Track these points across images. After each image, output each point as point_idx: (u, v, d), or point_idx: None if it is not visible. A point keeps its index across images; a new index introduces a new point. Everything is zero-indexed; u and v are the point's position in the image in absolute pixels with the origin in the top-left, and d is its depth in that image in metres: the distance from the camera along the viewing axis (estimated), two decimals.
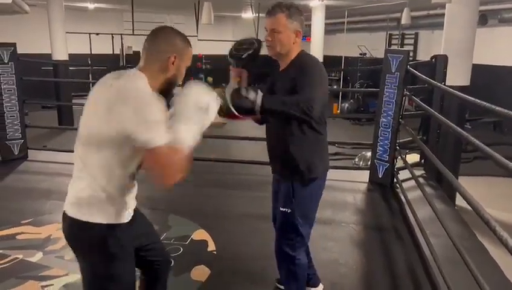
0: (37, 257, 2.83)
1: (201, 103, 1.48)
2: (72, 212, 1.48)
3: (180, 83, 1.60)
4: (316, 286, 2.43)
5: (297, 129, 1.97)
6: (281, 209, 2.07)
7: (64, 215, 1.51)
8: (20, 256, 2.84)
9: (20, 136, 5.00)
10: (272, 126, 2.10)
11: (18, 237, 3.14)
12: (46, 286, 2.51)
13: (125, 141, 1.38)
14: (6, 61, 4.76)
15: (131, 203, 1.60)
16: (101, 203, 1.46)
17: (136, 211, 1.66)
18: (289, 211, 2.04)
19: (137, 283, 1.76)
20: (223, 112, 1.81)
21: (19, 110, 4.95)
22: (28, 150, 5.09)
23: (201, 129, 1.50)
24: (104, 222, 1.47)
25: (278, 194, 2.15)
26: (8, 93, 4.84)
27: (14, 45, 4.85)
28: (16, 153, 4.98)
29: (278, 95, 1.96)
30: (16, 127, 4.96)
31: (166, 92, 1.53)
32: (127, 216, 1.55)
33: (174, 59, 1.50)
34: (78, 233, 1.49)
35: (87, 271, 1.53)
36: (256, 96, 1.78)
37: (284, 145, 2.01)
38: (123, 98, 1.37)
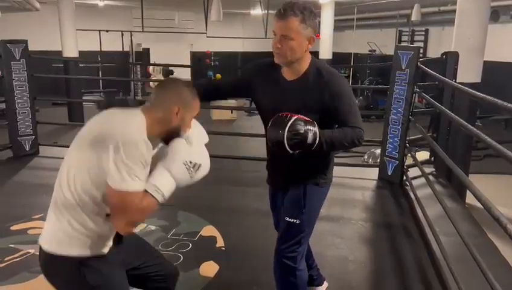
0: None
1: (194, 160, 1.49)
2: (47, 247, 1.46)
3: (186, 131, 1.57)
4: (320, 284, 2.41)
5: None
6: (288, 219, 1.92)
7: (40, 249, 1.49)
8: (32, 251, 2.88)
9: (32, 133, 5.05)
10: None
11: (29, 231, 3.18)
12: None
13: (101, 181, 1.37)
14: (17, 58, 4.81)
15: (111, 235, 1.54)
16: (78, 238, 1.44)
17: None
18: (297, 221, 1.91)
19: None
20: (278, 149, 1.68)
21: (30, 107, 5.00)
22: (39, 146, 5.14)
23: (182, 183, 1.51)
24: (82, 254, 1.45)
25: (279, 202, 2.08)
26: (20, 90, 4.90)
27: (25, 42, 4.89)
28: (27, 149, 5.03)
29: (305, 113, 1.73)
30: (27, 123, 5.01)
31: (169, 139, 1.53)
32: (106, 247, 1.52)
33: (178, 110, 1.50)
34: (54, 268, 1.48)
35: None
36: (315, 130, 1.65)
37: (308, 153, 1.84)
38: (110, 135, 1.36)
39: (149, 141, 1.41)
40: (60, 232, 1.45)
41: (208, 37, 11.00)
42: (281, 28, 1.71)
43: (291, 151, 1.67)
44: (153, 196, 1.42)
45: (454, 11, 4.68)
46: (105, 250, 1.51)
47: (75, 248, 1.44)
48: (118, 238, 1.55)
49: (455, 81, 3.96)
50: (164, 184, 1.45)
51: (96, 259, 1.48)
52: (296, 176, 1.94)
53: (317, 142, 1.66)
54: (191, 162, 1.48)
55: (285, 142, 1.64)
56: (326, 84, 1.77)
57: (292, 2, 1.72)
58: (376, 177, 4.40)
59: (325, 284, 2.42)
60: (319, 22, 11.31)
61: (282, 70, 1.85)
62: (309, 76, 1.80)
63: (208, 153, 1.58)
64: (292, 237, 1.94)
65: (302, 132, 1.63)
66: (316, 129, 1.66)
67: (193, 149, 1.52)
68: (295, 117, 1.65)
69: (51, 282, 1.51)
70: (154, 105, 1.52)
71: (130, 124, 1.41)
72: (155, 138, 1.51)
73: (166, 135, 1.53)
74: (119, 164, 1.33)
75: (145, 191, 1.41)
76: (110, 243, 1.54)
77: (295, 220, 1.91)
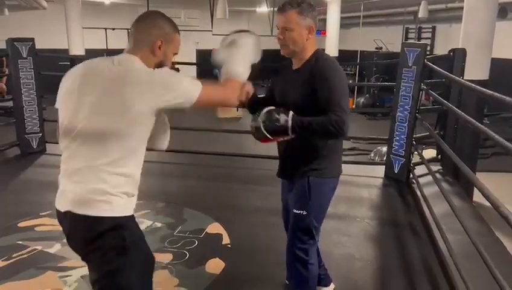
0: (55, 248, 2.89)
1: (227, 41, 1.71)
2: (85, 210, 1.41)
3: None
4: (327, 285, 2.40)
5: None
6: (295, 211, 1.98)
7: (72, 215, 1.43)
8: (39, 247, 2.90)
9: (39, 130, 5.08)
10: None
11: (37, 228, 3.21)
12: (65, 276, 2.56)
13: (147, 120, 1.42)
14: (25, 56, 4.84)
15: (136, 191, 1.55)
16: (114, 196, 1.42)
17: None
18: (304, 213, 1.96)
19: None
20: (257, 135, 1.90)
21: (37, 105, 5.03)
22: (46, 144, 5.18)
23: (245, 60, 1.71)
24: (122, 214, 1.44)
25: (288, 194, 2.11)
26: (27, 88, 4.93)
27: (32, 40, 4.92)
28: (35, 147, 5.07)
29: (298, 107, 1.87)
30: (34, 121, 5.04)
31: None
32: (134, 205, 1.52)
33: (160, 43, 1.49)
34: (96, 231, 1.41)
35: (104, 274, 1.46)
36: (287, 118, 1.80)
37: (304, 143, 1.94)
38: (136, 81, 1.39)
39: None
40: (92, 189, 1.41)
41: (213, 34, 10.99)
42: (282, 21, 1.88)
43: (269, 136, 1.85)
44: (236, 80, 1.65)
45: (461, 8, 4.65)
46: (132, 210, 1.50)
47: (112, 208, 1.41)
48: None
49: (462, 79, 3.93)
50: (239, 67, 1.69)
51: (130, 219, 1.47)
52: (298, 166, 1.99)
53: (289, 124, 1.79)
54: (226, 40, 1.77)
55: (261, 126, 1.84)
56: (317, 68, 1.87)
57: None
58: (382, 175, 4.38)
59: (332, 286, 2.41)
60: (325, 19, 11.28)
61: (293, 62, 2.00)
62: (309, 63, 1.92)
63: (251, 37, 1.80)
64: (302, 228, 1.99)
65: (274, 117, 1.82)
66: (288, 115, 1.81)
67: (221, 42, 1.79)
68: (271, 108, 1.87)
69: (82, 244, 1.46)
70: (136, 42, 1.50)
71: (137, 66, 1.45)
72: None
73: None
74: (173, 91, 1.41)
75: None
76: (135, 200, 1.52)
77: (302, 212, 1.96)
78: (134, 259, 1.45)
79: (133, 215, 1.50)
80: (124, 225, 1.45)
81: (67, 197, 1.46)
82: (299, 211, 1.97)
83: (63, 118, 1.50)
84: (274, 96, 2.09)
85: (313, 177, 1.96)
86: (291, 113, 1.81)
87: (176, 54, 1.58)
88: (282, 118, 1.80)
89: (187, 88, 1.45)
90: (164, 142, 1.66)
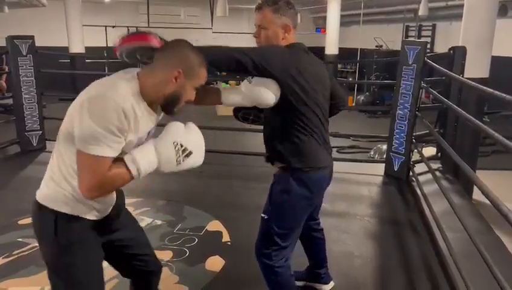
0: None
1: (185, 145, 1.39)
2: (37, 195, 1.48)
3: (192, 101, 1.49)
4: (327, 283, 2.42)
5: (278, 113, 1.79)
6: (261, 214, 1.95)
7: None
8: None
9: (39, 128, 5.09)
10: (266, 118, 1.95)
11: None
12: None
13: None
14: (24, 54, 4.84)
15: (101, 207, 1.50)
16: (63, 193, 1.42)
17: (125, 214, 1.66)
18: (265, 217, 1.90)
19: None
20: None
21: (37, 102, 5.03)
22: (46, 142, 5.18)
23: (166, 166, 1.39)
24: (61, 210, 1.42)
25: None
26: (27, 86, 4.93)
27: (32, 37, 4.92)
28: (35, 145, 5.07)
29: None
30: (34, 118, 5.04)
31: (167, 108, 1.45)
32: (90, 215, 1.48)
33: (178, 74, 1.37)
34: (36, 216, 1.48)
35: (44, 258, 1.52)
36: None
37: (268, 130, 1.90)
38: (89, 98, 1.32)
39: (138, 106, 1.34)
40: (49, 184, 1.46)
41: (213, 32, 10.99)
42: (258, 19, 1.84)
43: None
44: (127, 167, 1.33)
45: (462, 6, 4.64)
46: (89, 216, 1.46)
47: (57, 203, 1.42)
48: (115, 213, 1.55)
49: (462, 76, 3.93)
50: (144, 158, 1.34)
51: (74, 219, 1.43)
52: (272, 162, 1.93)
53: None
54: (181, 145, 1.37)
55: None
56: None
57: None
58: (382, 173, 4.39)
59: (331, 284, 2.43)
60: (325, 17, 11.25)
61: None
62: None
63: (203, 149, 1.48)
64: (263, 233, 1.94)
65: None
66: None
67: (189, 136, 1.42)
68: None
69: (34, 230, 1.51)
70: (153, 67, 1.41)
71: (113, 88, 1.32)
72: (154, 104, 1.43)
73: (164, 102, 1.41)
74: (88, 127, 1.27)
75: (122, 160, 1.34)
76: (97, 213, 1.48)
77: (264, 215, 1.92)
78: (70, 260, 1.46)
79: (83, 218, 1.46)
80: (64, 225, 1.43)
81: None
82: (262, 215, 1.94)
83: None
84: None
85: (277, 178, 1.88)
86: None
87: (198, 88, 1.46)
88: None
89: (88, 143, 1.29)
90: None
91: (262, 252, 1.94)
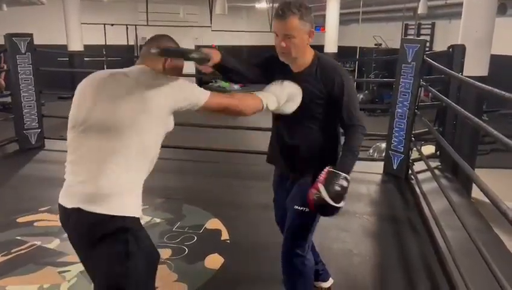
0: (54, 243, 2.89)
1: (291, 95, 1.79)
2: (94, 208, 1.39)
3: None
4: (325, 280, 2.41)
5: (329, 124, 1.95)
6: (297, 208, 1.96)
7: (80, 212, 1.40)
8: (38, 243, 2.90)
9: (37, 126, 5.08)
10: (292, 124, 1.97)
11: (36, 224, 3.21)
12: (63, 271, 2.56)
13: (163, 121, 1.50)
14: (23, 52, 4.83)
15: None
16: (127, 195, 1.43)
17: None
18: (306, 210, 1.91)
19: None
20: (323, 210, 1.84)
21: (35, 100, 5.02)
22: (45, 140, 5.18)
23: (279, 98, 1.76)
24: (131, 215, 1.44)
25: (285, 194, 2.08)
26: (26, 83, 4.92)
27: (30, 35, 4.90)
28: (33, 143, 5.07)
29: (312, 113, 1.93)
30: (33, 116, 5.04)
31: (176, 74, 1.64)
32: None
33: (170, 61, 1.60)
34: (103, 228, 1.41)
35: (107, 268, 1.44)
36: (346, 177, 1.89)
37: (310, 143, 1.95)
38: (155, 84, 1.47)
39: None
40: (108, 190, 1.40)
41: (212, 30, 10.98)
42: (283, 28, 1.79)
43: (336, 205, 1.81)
44: (260, 100, 1.72)
45: (461, 4, 4.64)
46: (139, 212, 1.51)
47: (126, 207, 1.42)
48: None
49: (462, 75, 3.93)
50: (271, 99, 1.75)
51: (139, 223, 1.47)
52: (305, 167, 1.98)
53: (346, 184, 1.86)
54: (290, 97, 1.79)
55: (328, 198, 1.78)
56: (332, 75, 1.86)
57: (288, 2, 1.79)
58: (381, 171, 4.39)
59: (330, 281, 2.42)
60: (324, 15, 11.25)
61: (290, 65, 1.94)
62: (314, 67, 1.89)
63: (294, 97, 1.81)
64: (302, 225, 1.98)
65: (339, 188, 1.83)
66: (345, 180, 1.87)
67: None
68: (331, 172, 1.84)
69: (91, 241, 1.43)
70: (147, 59, 1.59)
71: (156, 74, 1.54)
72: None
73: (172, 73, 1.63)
74: (187, 93, 1.52)
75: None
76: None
77: (305, 209, 1.94)
78: (137, 263, 1.43)
79: (139, 217, 1.49)
80: (130, 227, 1.43)
81: (76, 193, 1.44)
82: (301, 208, 1.94)
83: (76, 113, 1.51)
84: (261, 73, 2.07)
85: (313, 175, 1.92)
86: (343, 174, 1.86)
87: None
88: (343, 182, 1.85)
89: (197, 94, 1.56)
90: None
91: (299, 244, 1.99)
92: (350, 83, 1.90)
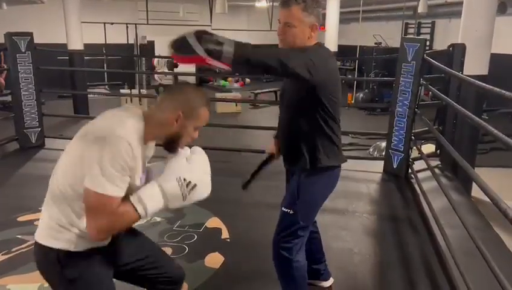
0: None
1: (188, 178, 1.40)
2: (36, 236, 1.48)
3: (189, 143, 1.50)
4: (326, 279, 2.42)
5: (308, 114, 1.84)
6: (283, 209, 1.95)
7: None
8: None
9: (37, 125, 5.08)
10: (283, 112, 1.99)
11: (36, 223, 3.17)
12: None
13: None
14: (23, 51, 4.83)
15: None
16: (61, 231, 1.42)
17: (130, 234, 1.63)
18: (291, 212, 1.91)
19: None
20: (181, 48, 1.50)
21: (36, 99, 5.02)
22: (45, 138, 5.18)
23: (173, 203, 1.41)
24: (63, 247, 1.42)
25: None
26: (26, 82, 4.92)
27: (30, 34, 4.90)
28: (33, 142, 5.07)
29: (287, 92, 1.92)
30: (33, 115, 5.04)
31: (169, 147, 1.47)
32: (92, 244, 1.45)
33: (178, 116, 1.41)
34: (39, 257, 1.50)
35: None
36: (229, 42, 1.55)
37: (292, 132, 1.90)
38: (98, 134, 1.33)
39: (138, 146, 1.37)
40: (47, 223, 1.45)
41: (212, 29, 10.93)
42: (284, 16, 1.78)
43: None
44: (133, 206, 1.34)
45: (461, 3, 4.63)
46: (91, 246, 1.45)
47: (58, 241, 1.42)
48: (113, 237, 1.50)
49: (462, 73, 3.93)
50: (150, 197, 1.37)
51: (77, 254, 1.43)
52: (294, 158, 1.93)
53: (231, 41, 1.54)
54: (185, 180, 1.39)
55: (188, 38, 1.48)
56: None
57: None
58: (381, 170, 4.39)
59: (331, 280, 2.43)
60: (324, 14, 11.23)
61: None
62: None
63: (209, 179, 1.49)
64: (287, 227, 1.94)
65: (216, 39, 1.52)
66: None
67: (192, 167, 1.43)
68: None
69: (39, 270, 1.53)
70: (157, 107, 1.45)
71: (121, 125, 1.34)
72: (151, 142, 1.51)
73: (166, 141, 1.45)
74: (99, 165, 1.28)
75: (128, 200, 1.35)
76: (97, 243, 1.47)
77: (289, 211, 1.92)
78: None
79: (88, 252, 1.45)
80: (67, 261, 1.43)
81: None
82: (286, 210, 1.93)
83: None
84: None
85: (305, 174, 1.90)
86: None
87: (199, 127, 1.49)
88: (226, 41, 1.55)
89: (104, 183, 1.29)
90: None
91: (284, 247, 1.95)
92: (310, 51, 1.74)
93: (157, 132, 1.44)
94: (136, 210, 1.35)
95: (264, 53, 1.66)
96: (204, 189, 1.47)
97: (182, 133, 1.45)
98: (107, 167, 1.28)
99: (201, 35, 1.49)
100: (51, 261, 1.45)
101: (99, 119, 1.45)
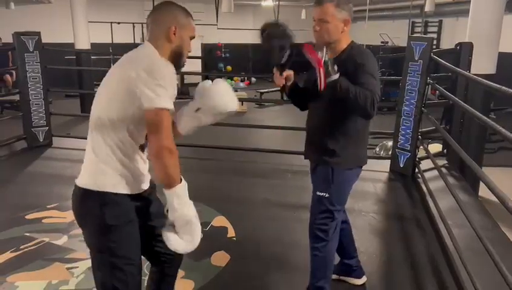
0: (62, 240, 2.91)
1: (220, 108, 1.67)
2: (78, 181, 1.54)
3: (188, 55, 1.62)
4: (359, 277, 2.43)
5: (346, 114, 1.96)
6: (318, 193, 2.05)
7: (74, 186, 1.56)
8: (47, 239, 2.93)
9: (45, 124, 5.12)
10: (318, 110, 2.07)
11: (44, 220, 3.24)
12: (72, 267, 2.58)
13: (135, 107, 1.44)
14: (31, 50, 4.86)
15: (142, 174, 1.61)
16: (105, 171, 1.50)
17: (153, 192, 1.70)
18: (326, 195, 2.03)
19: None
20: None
21: (43, 98, 5.06)
22: (53, 137, 5.21)
23: (200, 125, 1.70)
24: (106, 190, 1.49)
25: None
26: (33, 82, 4.95)
27: (38, 34, 4.93)
28: (41, 140, 5.10)
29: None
30: (41, 114, 5.07)
31: (175, 63, 1.58)
32: (132, 187, 1.56)
33: (174, 29, 1.55)
34: (79, 202, 1.54)
35: (89, 243, 1.57)
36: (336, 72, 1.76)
37: (330, 129, 1.99)
38: (135, 63, 1.47)
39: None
40: (90, 164, 1.52)
41: (218, 28, 10.97)
42: (318, 13, 1.93)
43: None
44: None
45: (468, 1, 4.60)
46: (132, 190, 1.54)
47: (101, 183, 1.49)
48: (149, 190, 1.64)
49: (469, 72, 3.90)
50: (186, 117, 1.69)
51: (120, 199, 1.51)
52: (323, 153, 2.03)
53: (335, 76, 1.75)
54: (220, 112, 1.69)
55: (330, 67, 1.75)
56: (353, 57, 1.91)
57: None
58: (388, 169, 4.38)
59: (364, 278, 2.44)
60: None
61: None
62: (344, 54, 1.96)
63: (229, 97, 1.70)
64: (323, 210, 2.05)
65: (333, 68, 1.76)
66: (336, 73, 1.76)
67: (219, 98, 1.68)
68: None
69: (76, 215, 1.56)
70: (152, 32, 1.57)
71: (149, 53, 1.51)
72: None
73: (173, 58, 1.57)
74: (151, 86, 1.40)
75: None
76: (139, 185, 1.59)
77: (325, 194, 2.03)
78: (115, 239, 1.51)
79: (126, 194, 1.53)
80: (108, 202, 1.49)
81: None
82: (321, 193, 2.03)
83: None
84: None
85: (337, 167, 2.01)
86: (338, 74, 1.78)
87: (193, 37, 1.62)
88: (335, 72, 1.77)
89: (160, 96, 1.42)
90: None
91: (322, 229, 2.06)
92: (370, 64, 1.89)
93: (165, 53, 1.56)
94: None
95: (360, 92, 1.78)
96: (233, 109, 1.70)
97: (182, 45, 1.59)
98: (161, 85, 1.41)
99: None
100: (92, 204, 1.49)
101: (122, 60, 1.54)
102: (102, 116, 1.49)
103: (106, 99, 1.50)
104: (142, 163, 1.60)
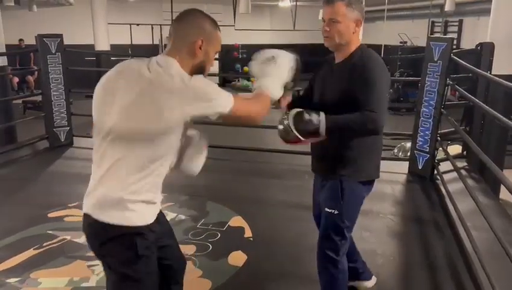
0: (83, 238, 2.89)
1: (266, 55, 1.71)
2: (99, 215, 1.42)
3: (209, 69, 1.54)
4: (368, 279, 2.39)
5: None
6: (327, 210, 1.94)
7: (89, 218, 1.44)
8: (68, 237, 3.00)
9: (66, 124, 5.23)
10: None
11: (66, 219, 3.31)
12: (93, 265, 2.64)
13: (177, 129, 1.38)
14: (53, 52, 4.97)
15: (160, 198, 1.53)
16: (132, 204, 1.39)
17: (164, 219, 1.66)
18: (336, 212, 1.92)
19: None
20: (286, 137, 1.82)
21: (65, 99, 5.17)
22: (74, 137, 5.32)
23: (281, 79, 1.69)
24: (137, 224, 1.41)
25: (318, 192, 2.06)
26: (55, 83, 5.06)
27: (60, 36, 5.04)
28: (63, 140, 5.21)
29: (334, 100, 1.86)
30: (62, 115, 5.18)
31: None
32: (155, 214, 1.49)
33: (201, 43, 1.43)
34: (107, 237, 1.42)
35: (113, 278, 1.49)
36: (319, 118, 1.73)
37: (340, 142, 1.88)
38: (170, 88, 1.33)
39: None
40: (114, 198, 1.39)
41: (236, 29, 11.02)
42: (329, 13, 1.83)
43: (301, 138, 1.77)
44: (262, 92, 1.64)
45: (490, 1, 4.52)
46: (152, 217, 1.47)
47: (129, 215, 1.39)
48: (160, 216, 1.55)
49: (490, 73, 3.84)
50: (264, 82, 1.70)
51: (147, 229, 1.43)
52: (333, 167, 1.94)
53: (321, 125, 1.73)
54: (267, 58, 1.73)
55: (293, 128, 1.76)
56: (360, 65, 1.81)
57: None
58: (406, 171, 4.34)
59: (374, 280, 2.41)
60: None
61: (335, 55, 1.95)
62: (353, 58, 1.86)
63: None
64: (333, 228, 1.95)
65: (306, 118, 1.75)
66: (320, 115, 1.75)
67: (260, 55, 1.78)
68: (300, 109, 1.80)
69: (100, 251, 1.48)
70: (175, 43, 1.44)
71: (175, 70, 1.39)
72: None
73: (193, 72, 1.45)
74: (205, 101, 1.37)
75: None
76: (155, 209, 1.49)
77: (334, 211, 1.93)
78: (144, 269, 1.45)
79: (150, 224, 1.46)
80: (136, 233, 1.42)
81: (90, 199, 1.47)
82: (330, 210, 1.93)
83: (96, 116, 1.46)
84: (312, 95, 2.03)
85: (346, 180, 1.91)
86: (322, 114, 1.74)
87: (218, 51, 1.53)
88: (314, 118, 1.74)
89: (220, 100, 1.40)
90: (195, 165, 1.65)
91: (331, 247, 1.97)
92: (375, 77, 1.77)
93: (187, 67, 1.43)
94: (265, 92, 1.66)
95: (352, 119, 1.75)
96: (283, 55, 1.74)
97: (206, 60, 1.48)
98: (208, 91, 1.38)
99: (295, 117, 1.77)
100: (122, 240, 1.40)
101: (137, 70, 1.41)
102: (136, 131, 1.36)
103: (140, 114, 1.36)
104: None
